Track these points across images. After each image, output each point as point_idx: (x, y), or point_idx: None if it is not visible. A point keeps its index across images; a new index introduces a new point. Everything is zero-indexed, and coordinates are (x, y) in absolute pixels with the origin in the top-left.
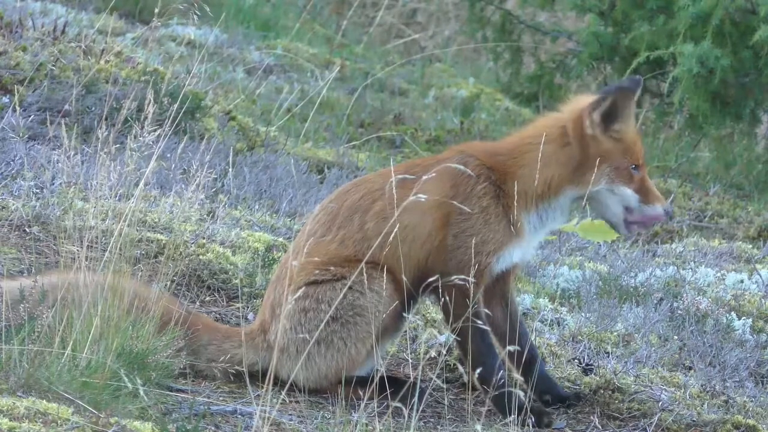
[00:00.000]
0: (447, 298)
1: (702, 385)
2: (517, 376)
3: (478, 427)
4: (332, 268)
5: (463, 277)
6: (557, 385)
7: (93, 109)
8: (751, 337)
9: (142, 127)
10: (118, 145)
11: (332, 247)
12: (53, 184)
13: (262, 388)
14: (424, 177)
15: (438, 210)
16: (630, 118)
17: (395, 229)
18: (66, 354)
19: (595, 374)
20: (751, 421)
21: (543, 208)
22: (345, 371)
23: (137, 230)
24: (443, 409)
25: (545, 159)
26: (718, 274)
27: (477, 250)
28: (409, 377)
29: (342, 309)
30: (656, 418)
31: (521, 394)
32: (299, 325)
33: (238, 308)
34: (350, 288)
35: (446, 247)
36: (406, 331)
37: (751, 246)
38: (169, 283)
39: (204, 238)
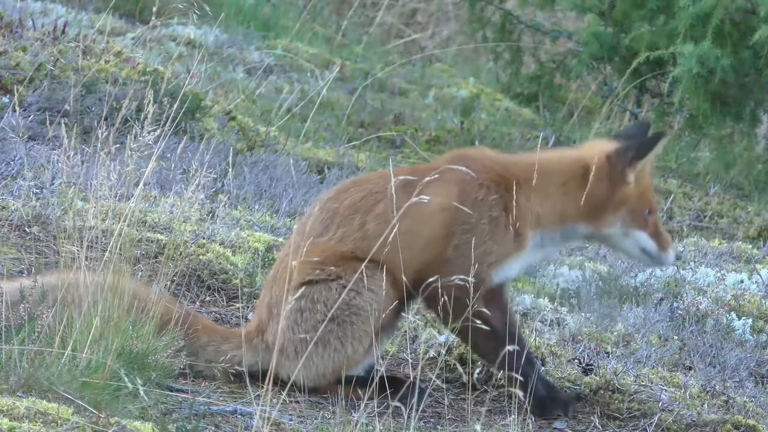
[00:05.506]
0: (446, 298)
1: (702, 385)
2: (517, 376)
3: (478, 427)
4: (328, 267)
5: (462, 277)
6: (556, 388)
7: (93, 109)
8: (751, 337)
9: (142, 127)
10: (117, 145)
11: (330, 245)
12: (53, 184)
13: (262, 388)
14: (427, 179)
15: (440, 216)
16: (651, 163)
17: (395, 230)
18: (66, 354)
19: (595, 374)
20: (751, 421)
21: (547, 232)
22: (342, 370)
23: (137, 230)
24: (443, 409)
25: (561, 192)
26: (718, 274)
27: (478, 260)
28: (409, 377)
29: (338, 308)
30: (656, 418)
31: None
32: (295, 324)
33: (238, 308)
34: (345, 287)
35: (445, 259)
36: (405, 331)
37: (751, 246)
38: (169, 283)
39: (204, 238)
